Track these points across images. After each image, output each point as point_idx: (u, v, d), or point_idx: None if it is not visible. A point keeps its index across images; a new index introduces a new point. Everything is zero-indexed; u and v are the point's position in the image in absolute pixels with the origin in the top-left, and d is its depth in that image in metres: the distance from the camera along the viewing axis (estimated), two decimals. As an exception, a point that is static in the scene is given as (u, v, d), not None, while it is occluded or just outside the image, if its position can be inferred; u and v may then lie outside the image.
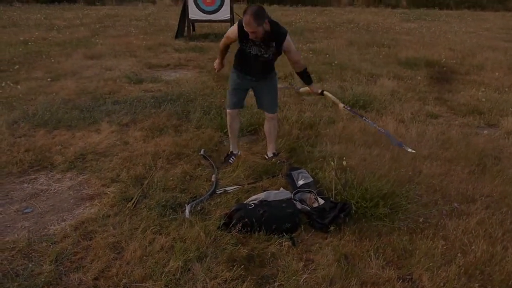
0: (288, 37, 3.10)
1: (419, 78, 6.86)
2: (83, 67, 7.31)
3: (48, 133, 4.21)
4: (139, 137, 4.15)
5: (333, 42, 10.37)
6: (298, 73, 3.42)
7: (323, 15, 19.94)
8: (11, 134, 4.12)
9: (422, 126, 4.55)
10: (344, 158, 3.15)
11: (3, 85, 5.87)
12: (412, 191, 3.01)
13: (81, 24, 14.43)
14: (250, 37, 3.00)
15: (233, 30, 3.18)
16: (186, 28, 11.78)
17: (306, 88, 3.58)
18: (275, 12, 21.95)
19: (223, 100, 5.32)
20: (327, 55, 8.58)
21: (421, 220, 2.73)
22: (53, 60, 7.69)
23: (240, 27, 3.04)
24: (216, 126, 4.33)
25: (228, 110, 3.60)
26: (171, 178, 3.22)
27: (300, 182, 3.13)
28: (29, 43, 9.39)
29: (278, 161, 3.54)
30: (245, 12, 2.93)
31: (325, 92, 3.52)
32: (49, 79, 6.33)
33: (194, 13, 11.63)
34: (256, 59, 3.21)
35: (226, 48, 3.43)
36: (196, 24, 12.45)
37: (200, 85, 6.15)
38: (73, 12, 19.71)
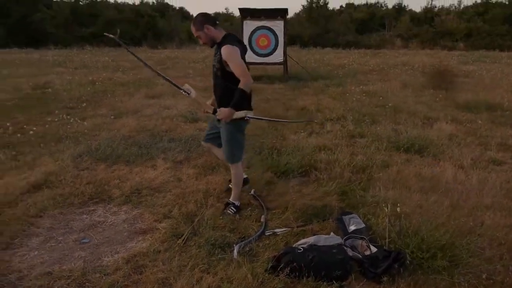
0: (229, 46, 2.96)
1: (479, 122, 6.56)
2: (144, 106, 7.74)
3: (108, 167, 4.44)
4: (192, 174, 4.26)
5: (387, 85, 10.26)
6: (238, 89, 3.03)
7: (376, 58, 19.91)
8: (75, 167, 4.39)
9: (483, 173, 4.30)
10: (399, 204, 3.03)
11: (71, 121, 6.34)
12: (473, 243, 2.81)
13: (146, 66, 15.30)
14: (200, 43, 3.18)
15: None
16: (240, 70, 12.20)
17: (203, 101, 3.28)
18: (328, 55, 22.26)
19: (274, 141, 5.38)
20: (381, 98, 8.48)
21: (484, 276, 2.52)
22: (117, 99, 8.22)
23: None
24: (266, 167, 4.36)
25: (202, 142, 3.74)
26: (221, 217, 3.25)
27: (352, 228, 3.03)
28: (97, 83, 10.14)
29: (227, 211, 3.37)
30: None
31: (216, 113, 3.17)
32: (112, 117, 6.76)
33: (248, 56, 12.03)
34: (213, 71, 3.21)
35: None
36: (250, 66, 12.88)
37: (252, 126, 6.21)
38: (138, 54, 21.06)
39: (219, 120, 3.25)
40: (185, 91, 3.08)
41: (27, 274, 2.57)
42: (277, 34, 11.96)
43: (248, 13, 12.09)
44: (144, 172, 4.31)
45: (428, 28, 33.03)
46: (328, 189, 3.76)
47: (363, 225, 3.05)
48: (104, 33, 3.43)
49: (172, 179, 4.15)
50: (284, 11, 12.29)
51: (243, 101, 3.10)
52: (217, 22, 3.16)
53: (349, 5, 47.34)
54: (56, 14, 35.96)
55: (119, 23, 35.85)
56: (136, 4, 43.84)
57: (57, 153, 4.84)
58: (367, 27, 38.22)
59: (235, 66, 3.00)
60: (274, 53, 12.09)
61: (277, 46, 12.01)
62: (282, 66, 12.31)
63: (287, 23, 12.51)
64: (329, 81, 11.06)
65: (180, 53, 23.28)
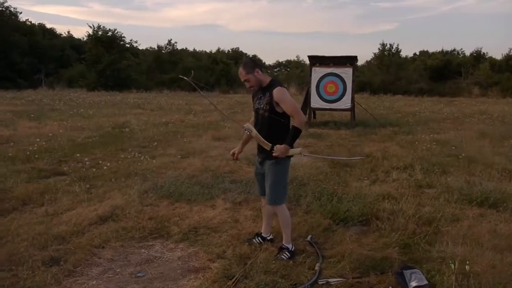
0: (280, 88, 3.11)
1: None
2: (210, 147, 8.02)
3: (171, 204, 4.59)
4: (249, 216, 4.26)
5: (461, 134, 9.70)
6: (292, 126, 3.16)
7: (451, 106, 19.03)
8: (140, 202, 4.60)
9: None
10: (468, 262, 2.76)
11: (141, 158, 6.73)
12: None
13: (215, 109, 16.03)
14: (247, 86, 3.22)
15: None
16: (307, 115, 12.28)
17: (258, 136, 3.19)
18: (398, 102, 21.72)
19: (336, 187, 5.25)
20: (453, 147, 8.01)
21: None
22: (185, 140, 8.62)
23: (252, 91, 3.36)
24: (326, 213, 4.23)
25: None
26: (273, 261, 3.18)
27: (413, 284, 2.80)
28: (169, 124, 10.76)
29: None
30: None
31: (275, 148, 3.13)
32: (179, 156, 7.07)
33: (316, 102, 12.17)
34: (258, 114, 3.27)
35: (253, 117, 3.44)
36: (317, 111, 12.94)
37: (314, 170, 6.20)
38: (210, 99, 22.15)
39: (262, 163, 3.36)
40: (246, 129, 3.23)
41: (83, 302, 2.67)
42: (346, 80, 11.98)
43: (317, 60, 12.31)
44: (204, 211, 4.39)
45: (510, 75, 31.12)
46: (389, 240, 3.55)
47: (425, 282, 2.81)
48: (179, 76, 3.73)
49: (229, 219, 4.18)
50: (353, 58, 12.35)
51: (296, 139, 3.20)
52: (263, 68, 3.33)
53: (423, 53, 46.36)
54: (141, 62, 39.35)
55: (196, 69, 38.31)
56: (213, 52, 46.61)
57: (126, 188, 5.12)
58: (441, 74, 36.92)
59: (289, 105, 3.12)
60: (342, 99, 12.07)
61: (345, 92, 11.99)
62: (349, 112, 12.21)
63: (356, 70, 12.51)
64: (398, 129, 10.72)
65: (249, 98, 24.02)
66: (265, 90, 3.20)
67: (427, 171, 6.17)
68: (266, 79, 3.23)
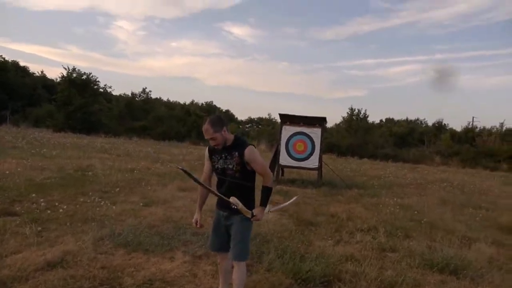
0: (251, 147, 3.08)
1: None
2: (174, 197, 7.82)
3: (127, 253, 4.36)
4: (209, 271, 4.09)
5: (424, 199, 9.93)
6: (262, 186, 3.14)
7: (414, 172, 19.66)
8: (94, 249, 4.34)
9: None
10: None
11: (102, 204, 6.47)
12: None
13: (183, 159, 15.92)
14: (212, 144, 3.08)
15: (206, 151, 3.30)
16: (275, 172, 12.34)
17: (239, 203, 3.06)
18: (364, 165, 22.27)
19: (299, 245, 5.17)
20: (416, 212, 8.16)
21: None
22: (150, 188, 8.40)
23: (209, 146, 3.21)
24: (288, 271, 4.11)
25: (214, 252, 3.55)
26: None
27: None
28: (135, 171, 10.51)
29: None
30: (204, 120, 3.08)
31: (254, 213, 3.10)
32: (141, 204, 6.84)
33: (284, 159, 12.29)
34: (223, 175, 3.12)
35: (208, 174, 3.32)
36: (285, 169, 13.03)
37: (279, 227, 6.11)
38: (179, 149, 22.08)
39: (228, 218, 3.18)
40: (233, 205, 3.03)
41: None
42: (314, 140, 12.24)
43: (288, 118, 12.59)
44: (161, 263, 4.19)
45: (469, 147, 32.79)
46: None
47: None
48: (177, 166, 3.62)
49: (187, 273, 3.99)
50: (322, 119, 12.72)
51: (269, 198, 3.17)
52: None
53: (389, 120, 48.66)
54: (113, 107, 39.14)
55: (168, 119, 38.40)
56: (187, 103, 47.12)
57: (81, 233, 4.85)
58: (406, 141, 38.59)
59: (260, 165, 3.11)
60: (310, 159, 12.24)
61: (313, 152, 12.20)
62: (316, 172, 12.37)
63: (325, 131, 12.85)
64: (363, 191, 10.88)
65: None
66: (230, 149, 3.09)
67: (390, 234, 6.20)
68: (230, 136, 3.12)
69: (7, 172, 8.33)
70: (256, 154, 3.09)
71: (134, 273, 3.85)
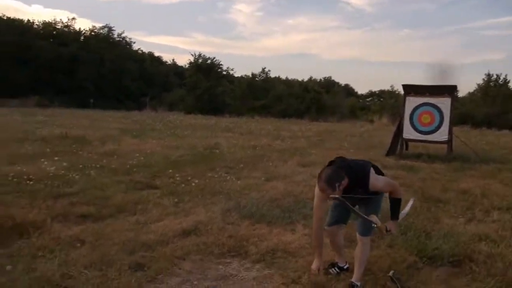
0: (370, 176, 2.99)
1: None
2: (294, 172, 8.02)
3: (251, 225, 4.65)
4: (328, 244, 4.13)
5: None
6: (391, 199, 3.16)
7: None
8: (222, 220, 4.73)
9: None
10: None
11: (227, 178, 6.97)
12: None
13: (302, 136, 16.12)
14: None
15: (317, 192, 3.17)
16: (399, 147, 11.72)
17: (378, 222, 3.10)
18: (504, 137, 19.75)
19: (425, 222, 4.89)
20: None
21: None
22: (271, 163, 8.74)
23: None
24: (411, 248, 3.95)
25: (326, 228, 3.43)
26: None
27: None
28: (257, 148, 11.02)
29: None
30: (319, 176, 2.97)
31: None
32: (263, 179, 7.17)
33: (408, 133, 11.57)
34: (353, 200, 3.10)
35: (321, 210, 3.30)
36: (410, 143, 12.27)
37: (403, 204, 5.83)
38: (298, 126, 22.36)
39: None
40: (374, 223, 3.07)
41: (161, 309, 2.80)
42: (443, 111, 11.22)
43: (411, 89, 11.76)
44: (283, 235, 4.37)
45: None
46: (484, 285, 3.19)
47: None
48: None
49: (308, 245, 4.09)
50: (453, 88, 11.63)
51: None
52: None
53: (538, 84, 41.92)
54: (235, 88, 41.26)
55: (286, 97, 39.06)
56: (305, 80, 47.18)
57: (211, 205, 5.32)
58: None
59: (386, 187, 3.14)
60: (438, 131, 11.29)
61: (442, 124, 11.21)
62: (446, 145, 11.38)
63: (456, 101, 11.70)
64: (502, 165, 9.70)
65: (338, 127, 23.78)
66: (350, 191, 2.99)
67: (536, 214, 5.46)
68: (345, 181, 2.95)
69: (149, 151, 9.48)
70: (379, 181, 3.05)
71: (258, 242, 4.10)
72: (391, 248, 4.04)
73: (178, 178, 6.78)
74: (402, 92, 12.36)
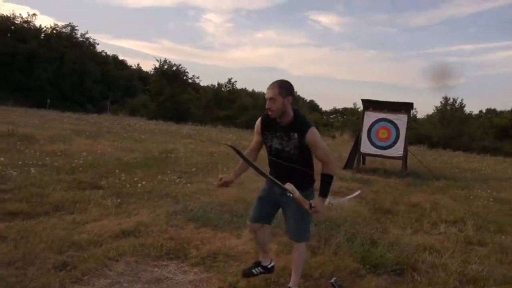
0: (313, 129, 2.71)
1: None
2: (250, 180, 7.81)
3: (196, 228, 4.45)
4: (274, 250, 3.99)
5: (526, 195, 8.82)
6: (321, 174, 2.80)
7: (517, 167, 17.64)
8: (166, 222, 4.50)
9: None
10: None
11: (178, 182, 6.72)
12: None
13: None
14: (266, 106, 2.74)
15: (257, 123, 2.95)
16: (356, 161, 11.87)
17: (303, 198, 2.76)
18: (457, 157, 20.57)
19: (373, 231, 4.86)
20: (514, 207, 7.27)
21: None
22: (225, 170, 8.52)
23: (263, 118, 2.90)
24: (356, 256, 3.88)
25: (248, 223, 3.21)
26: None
27: None
28: (214, 155, 10.82)
29: None
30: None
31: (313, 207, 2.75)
32: (215, 184, 6.96)
33: (366, 147, 11.74)
34: (278, 156, 2.82)
35: (255, 148, 3.04)
36: (367, 158, 12.46)
37: (352, 213, 5.80)
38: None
39: (282, 194, 2.86)
40: (289, 192, 2.76)
41: (80, 311, 2.56)
42: (399, 127, 11.48)
43: (370, 104, 12.00)
44: (227, 239, 4.20)
45: None
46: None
47: None
48: (226, 143, 3.37)
49: (252, 250, 3.94)
50: (409, 105, 11.93)
51: (330, 186, 2.83)
52: None
53: (490, 111, 44.22)
54: (200, 97, 40.98)
55: (252, 108, 39.16)
56: (269, 93, 47.44)
57: (156, 207, 5.07)
58: (509, 134, 34.83)
59: (321, 150, 2.76)
60: (394, 147, 11.53)
61: (398, 139, 11.46)
62: (400, 161, 11.63)
63: (414, 121, 12.02)
64: (453, 182, 9.98)
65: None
66: (288, 128, 2.74)
67: (481, 228, 5.58)
68: (290, 112, 2.74)
69: (99, 152, 9.07)
70: (318, 138, 2.75)
71: (199, 246, 3.91)
72: (336, 254, 3.95)
73: (124, 179, 6.46)
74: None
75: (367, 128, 11.80)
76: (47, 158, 7.45)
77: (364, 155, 12.10)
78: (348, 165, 11.69)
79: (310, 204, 2.75)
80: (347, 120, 43.41)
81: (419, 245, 4.46)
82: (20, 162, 6.75)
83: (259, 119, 2.95)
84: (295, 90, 2.94)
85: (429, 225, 5.58)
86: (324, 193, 2.77)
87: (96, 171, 6.89)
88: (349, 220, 5.32)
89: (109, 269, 3.24)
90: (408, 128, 11.58)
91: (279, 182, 2.80)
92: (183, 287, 3.10)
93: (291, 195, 2.76)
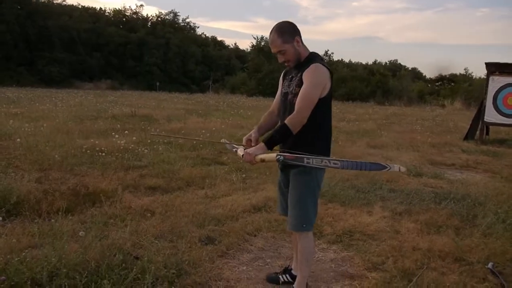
0: (317, 65, 2.21)
1: None
2: (364, 154, 7.55)
3: (324, 204, 4.32)
4: (412, 229, 3.72)
5: None
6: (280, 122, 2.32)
7: None
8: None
9: None
10: None
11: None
12: None
13: (370, 118, 15.41)
14: (279, 61, 2.35)
15: (281, 76, 2.52)
16: (478, 131, 10.71)
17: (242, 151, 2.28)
18: None
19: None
20: None
21: None
22: (339, 144, 8.31)
23: (284, 71, 2.51)
24: (513, 239, 3.44)
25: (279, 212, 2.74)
26: (448, 284, 2.64)
27: None
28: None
29: None
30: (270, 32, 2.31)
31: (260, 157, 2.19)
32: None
33: (491, 116, 10.51)
34: (285, 100, 2.36)
35: (273, 107, 2.56)
36: (491, 127, 11.17)
37: (492, 191, 5.21)
38: (364, 109, 21.48)
39: (284, 172, 2.45)
40: (233, 147, 2.47)
41: (233, 285, 2.62)
42: (533, 93, 10.06)
43: (497, 68, 10.64)
44: (359, 216, 4.02)
45: None
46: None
47: None
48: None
49: (388, 229, 3.72)
50: (546, 66, 10.33)
51: (281, 140, 2.25)
52: None
53: None
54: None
55: (351, 80, 37.72)
56: (369, 63, 45.31)
57: (279, 183, 5.07)
58: None
59: (305, 91, 2.20)
60: (528, 114, 10.16)
61: (531, 106, 10.07)
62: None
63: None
64: None
65: (407, 110, 22.55)
66: (300, 67, 2.30)
67: None
68: (306, 52, 2.33)
69: (214, 128, 9.42)
70: (315, 76, 2.20)
71: (332, 223, 3.79)
72: (487, 237, 3.54)
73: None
74: (477, 75, 11.29)
75: (492, 95, 10.52)
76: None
77: (489, 124, 10.85)
78: (469, 136, 10.61)
79: (243, 149, 2.31)
80: (457, 86, 39.46)
81: None
82: (148, 141, 7.26)
83: (283, 72, 2.54)
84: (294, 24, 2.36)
85: None
86: (268, 141, 2.20)
87: (215, 148, 7.14)
88: (490, 198, 4.78)
89: (249, 244, 3.29)
90: (545, 93, 10.07)
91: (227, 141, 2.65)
92: (326, 265, 3.01)
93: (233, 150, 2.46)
